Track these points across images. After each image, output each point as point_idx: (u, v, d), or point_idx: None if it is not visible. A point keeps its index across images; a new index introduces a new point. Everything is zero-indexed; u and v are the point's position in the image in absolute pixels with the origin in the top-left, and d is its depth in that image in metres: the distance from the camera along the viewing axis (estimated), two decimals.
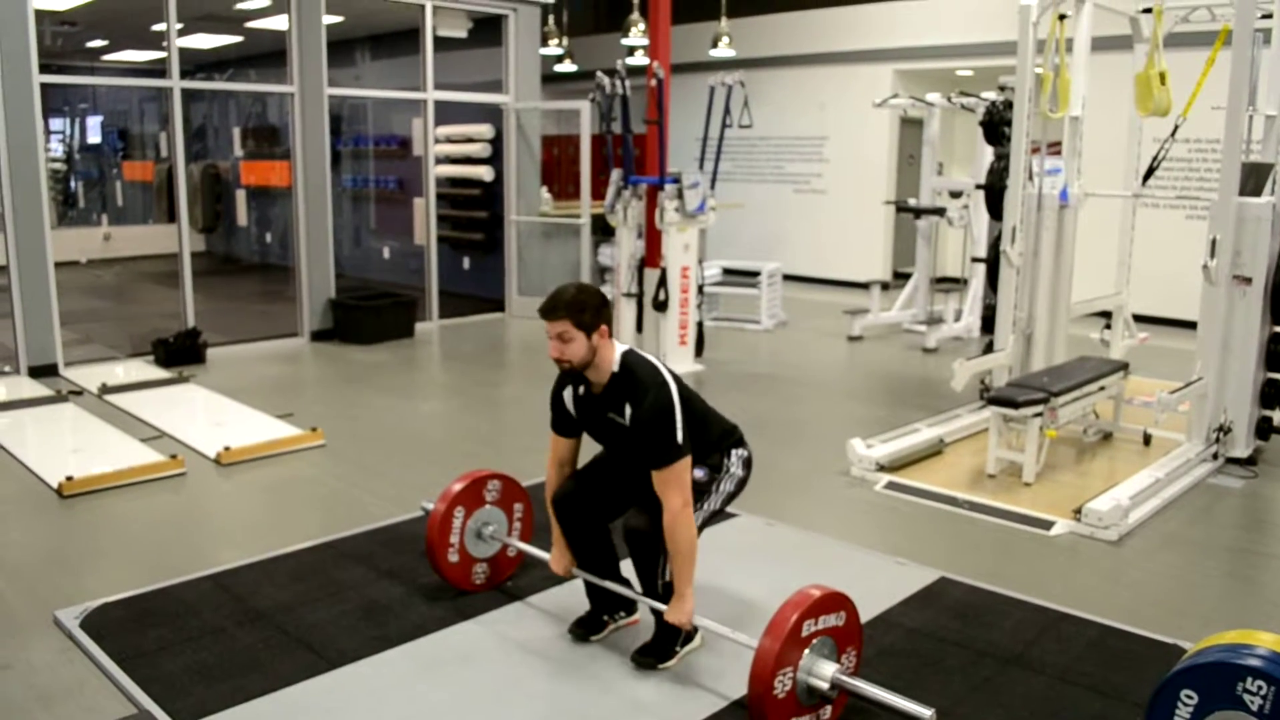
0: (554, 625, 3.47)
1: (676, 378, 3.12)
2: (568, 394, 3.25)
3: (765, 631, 2.70)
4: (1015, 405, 5.01)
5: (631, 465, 3.14)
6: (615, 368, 3.08)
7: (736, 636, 2.97)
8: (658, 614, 3.17)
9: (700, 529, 3.19)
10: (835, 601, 2.83)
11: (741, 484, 3.33)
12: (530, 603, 3.67)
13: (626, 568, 3.41)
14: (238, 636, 3.38)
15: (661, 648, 3.22)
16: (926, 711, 2.67)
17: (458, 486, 3.68)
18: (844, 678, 2.79)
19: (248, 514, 4.79)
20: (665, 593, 3.16)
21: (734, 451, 3.30)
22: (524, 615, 3.58)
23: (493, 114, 9.98)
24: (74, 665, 3.22)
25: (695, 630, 3.29)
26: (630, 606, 3.46)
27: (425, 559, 3.95)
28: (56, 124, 13.35)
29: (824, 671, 2.77)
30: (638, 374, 3.05)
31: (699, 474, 3.14)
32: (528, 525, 3.87)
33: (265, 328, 8.98)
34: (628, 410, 3.04)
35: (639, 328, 7.97)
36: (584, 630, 3.38)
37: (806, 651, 2.74)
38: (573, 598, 3.59)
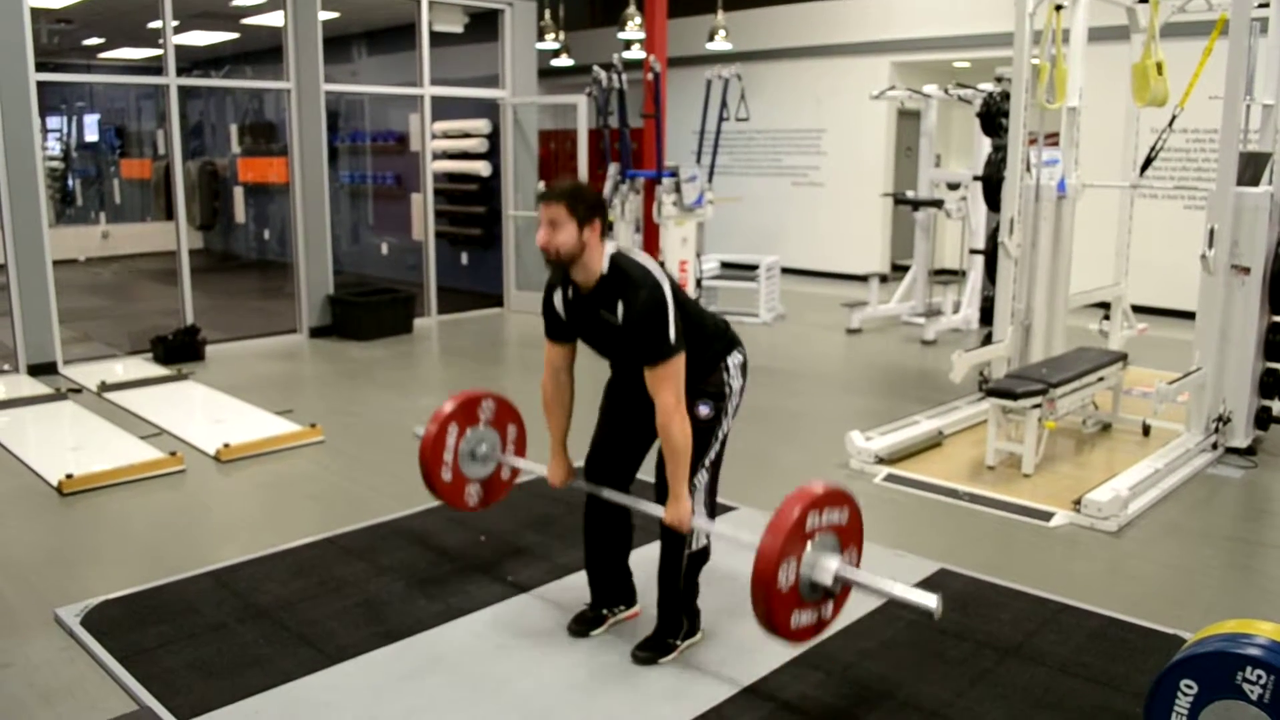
0: (555, 619, 3.47)
1: (670, 277, 3.06)
2: (557, 297, 3.19)
3: (768, 527, 2.67)
4: (1014, 397, 5.01)
5: (624, 364, 3.12)
6: (604, 268, 3.03)
7: (739, 535, 2.93)
8: (664, 530, 3.15)
9: (718, 462, 3.18)
10: (838, 498, 2.81)
11: (742, 392, 3.24)
12: (530, 596, 3.67)
13: (637, 562, 3.42)
14: (238, 633, 3.38)
15: (661, 642, 3.23)
16: (932, 599, 2.64)
17: (451, 405, 3.64)
18: (849, 570, 2.77)
19: (247, 510, 4.80)
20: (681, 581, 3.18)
21: (730, 361, 3.18)
22: (524, 609, 3.58)
23: (490, 109, 9.96)
24: (75, 662, 3.22)
25: (697, 627, 3.29)
26: (629, 600, 3.46)
27: (425, 553, 3.97)
28: (53, 122, 13.34)
29: (828, 565, 2.74)
30: (629, 273, 3.00)
31: (704, 410, 3.08)
32: (521, 447, 3.83)
33: (264, 324, 8.98)
34: (620, 308, 2.99)
35: None
36: (583, 626, 3.38)
37: (809, 545, 2.72)
38: (573, 592, 3.60)
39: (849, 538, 2.86)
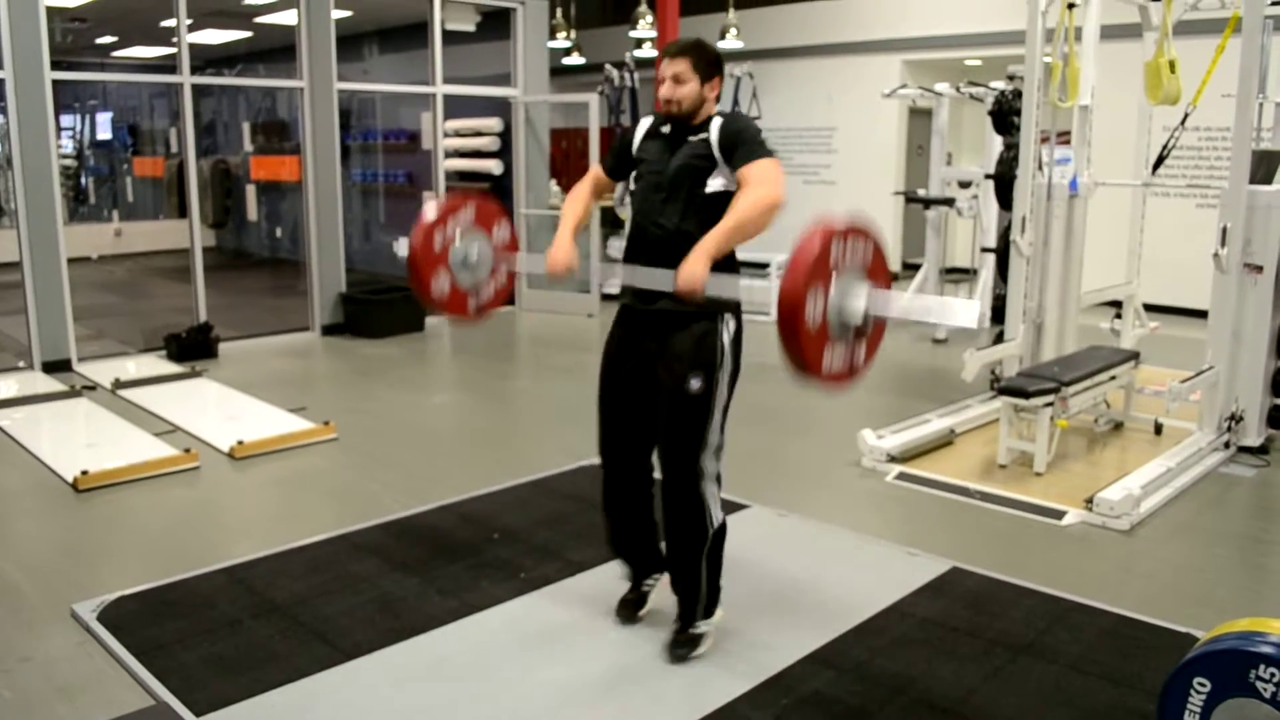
0: (568, 615, 3.49)
1: None
2: (640, 131, 3.17)
3: (789, 261, 2.52)
4: (1026, 395, 5.01)
5: (668, 200, 3.04)
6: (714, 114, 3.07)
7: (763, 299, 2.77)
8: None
9: (720, 446, 3.13)
10: (860, 231, 2.66)
11: (737, 362, 3.15)
12: (544, 593, 3.68)
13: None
14: (254, 629, 3.40)
15: (689, 636, 3.19)
16: (974, 307, 2.57)
17: (455, 201, 3.49)
18: (879, 298, 2.61)
19: (262, 507, 4.82)
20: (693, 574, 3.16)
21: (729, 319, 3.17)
22: (539, 605, 3.59)
23: (501, 107, 9.98)
24: (92, 658, 3.25)
25: (715, 605, 3.26)
26: (662, 565, 3.35)
27: (438, 550, 3.98)
28: (68, 120, 13.43)
29: (857, 294, 2.59)
30: (738, 113, 3.11)
31: (695, 383, 3.02)
32: (513, 247, 3.61)
33: (276, 322, 9.01)
34: (716, 125, 2.98)
35: None
36: (630, 610, 3.38)
37: (835, 276, 2.56)
38: (587, 588, 3.62)
39: (875, 273, 2.69)
